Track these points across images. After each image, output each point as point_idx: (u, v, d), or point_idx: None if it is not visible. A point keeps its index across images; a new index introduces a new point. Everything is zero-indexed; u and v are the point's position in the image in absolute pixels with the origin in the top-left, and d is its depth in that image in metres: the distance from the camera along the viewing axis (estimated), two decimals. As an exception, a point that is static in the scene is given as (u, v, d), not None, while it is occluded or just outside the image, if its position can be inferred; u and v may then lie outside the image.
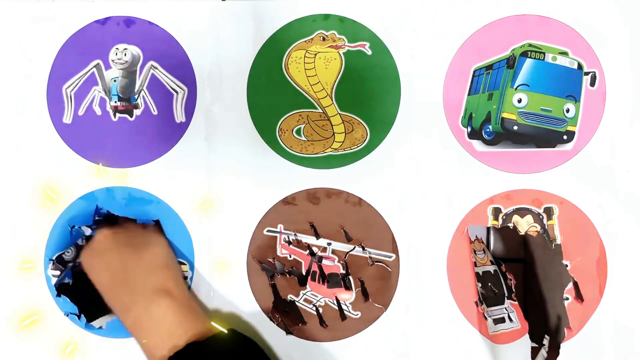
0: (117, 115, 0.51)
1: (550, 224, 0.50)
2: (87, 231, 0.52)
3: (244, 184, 0.51)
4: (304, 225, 0.51)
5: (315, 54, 0.50)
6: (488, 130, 0.50)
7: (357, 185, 0.50)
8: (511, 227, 0.50)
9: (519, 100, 0.49)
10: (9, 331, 0.52)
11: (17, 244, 0.52)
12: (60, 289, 0.52)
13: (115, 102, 0.51)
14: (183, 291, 0.47)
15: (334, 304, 0.51)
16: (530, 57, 0.49)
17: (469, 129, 0.50)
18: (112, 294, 0.47)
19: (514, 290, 0.52)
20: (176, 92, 0.51)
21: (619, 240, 0.49)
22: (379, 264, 0.50)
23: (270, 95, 0.50)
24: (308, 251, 0.51)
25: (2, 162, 0.52)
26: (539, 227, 0.50)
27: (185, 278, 0.51)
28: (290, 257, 0.51)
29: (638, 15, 0.49)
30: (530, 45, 0.49)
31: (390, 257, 0.50)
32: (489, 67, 0.49)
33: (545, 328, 0.51)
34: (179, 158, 0.51)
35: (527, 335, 0.50)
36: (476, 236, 0.54)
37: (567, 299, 0.49)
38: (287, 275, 0.51)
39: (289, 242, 0.51)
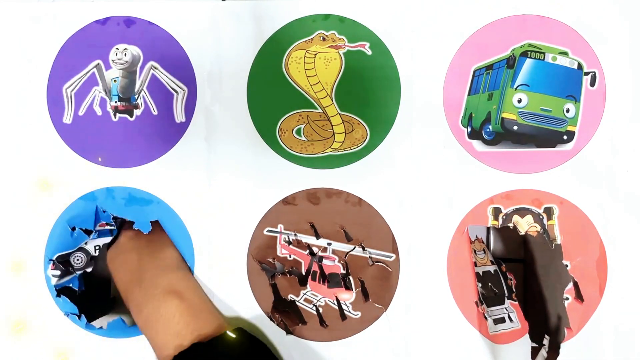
0: (118, 115, 0.51)
1: (550, 224, 0.50)
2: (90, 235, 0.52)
3: (244, 184, 0.51)
4: (304, 225, 0.51)
5: (315, 54, 0.50)
6: (488, 130, 0.50)
7: (357, 185, 0.50)
8: (511, 227, 0.50)
9: (519, 100, 0.49)
10: (8, 331, 0.52)
11: (16, 244, 0.52)
12: (61, 289, 0.52)
13: (116, 102, 0.51)
14: (193, 293, 0.47)
15: (334, 304, 0.51)
16: (530, 57, 0.49)
17: (469, 129, 0.50)
18: (129, 293, 0.48)
19: (514, 290, 0.52)
20: (176, 92, 0.51)
21: (619, 240, 0.49)
22: (379, 264, 0.50)
23: (270, 95, 0.50)
24: (308, 251, 0.51)
25: (2, 162, 0.52)
26: (539, 227, 0.50)
27: (186, 278, 0.51)
28: (290, 257, 0.51)
29: (638, 15, 0.49)
30: (530, 45, 0.49)
31: (390, 257, 0.50)
32: (489, 67, 0.49)
33: (545, 328, 0.51)
34: (179, 158, 0.51)
35: (527, 335, 0.50)
36: (476, 236, 0.54)
37: (567, 299, 0.49)
38: (287, 275, 0.51)
39: (289, 242, 0.51)
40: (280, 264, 0.51)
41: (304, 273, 0.51)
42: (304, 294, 0.51)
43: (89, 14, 0.51)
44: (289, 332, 0.51)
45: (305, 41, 0.50)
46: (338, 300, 0.51)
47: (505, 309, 0.51)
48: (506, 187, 0.50)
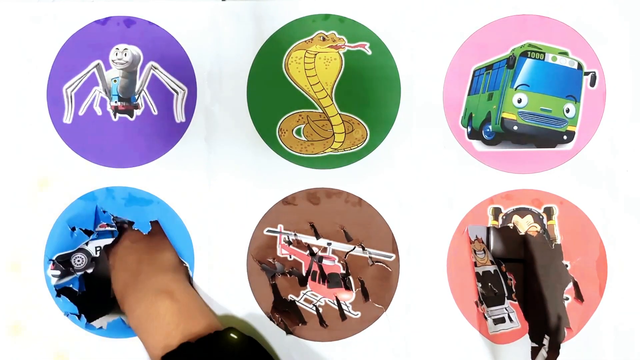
0: (118, 115, 0.51)
1: (550, 224, 0.50)
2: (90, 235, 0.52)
3: (244, 184, 0.51)
4: (304, 225, 0.51)
5: (315, 54, 0.50)
6: (488, 130, 0.50)
7: (357, 185, 0.50)
8: (511, 227, 0.50)
9: (519, 100, 0.49)
10: (8, 331, 0.52)
11: (16, 244, 0.52)
12: (61, 290, 0.52)
13: (116, 102, 0.51)
14: (186, 294, 0.47)
15: (334, 304, 0.51)
16: (530, 57, 0.49)
17: (469, 129, 0.50)
18: (124, 293, 0.48)
19: (514, 290, 0.52)
20: (176, 92, 0.51)
21: (619, 240, 0.49)
22: (379, 264, 0.50)
23: (270, 95, 0.50)
24: (308, 251, 0.51)
25: (2, 162, 0.52)
26: (539, 227, 0.50)
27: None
28: (290, 257, 0.51)
29: (638, 15, 0.49)
30: (530, 45, 0.49)
31: (390, 257, 0.50)
32: (489, 67, 0.49)
33: (545, 328, 0.51)
34: (179, 158, 0.51)
35: (527, 335, 0.50)
36: (476, 236, 0.54)
37: (567, 299, 0.49)
38: (287, 275, 0.51)
39: (289, 242, 0.51)
40: (280, 264, 0.51)
41: (304, 273, 0.51)
42: (304, 294, 0.51)
43: (89, 14, 0.51)
44: (289, 332, 0.51)
45: (305, 41, 0.50)
46: (338, 300, 0.51)
47: (505, 309, 0.51)
48: (506, 187, 0.50)
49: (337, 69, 0.50)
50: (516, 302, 0.51)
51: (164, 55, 0.51)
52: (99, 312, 0.52)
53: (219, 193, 0.51)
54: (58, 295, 0.51)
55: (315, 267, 0.51)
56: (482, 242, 0.54)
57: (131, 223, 0.51)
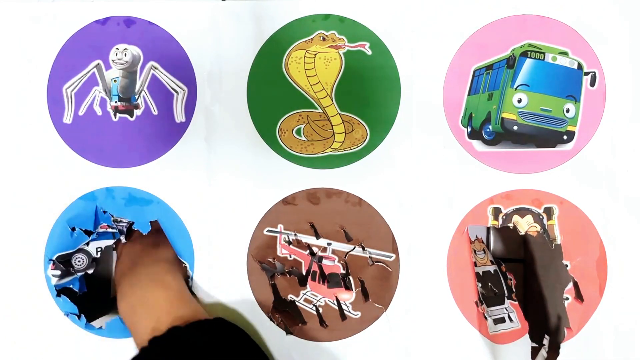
0: (118, 115, 0.51)
1: (550, 224, 0.50)
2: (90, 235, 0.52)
3: (244, 184, 0.51)
4: (304, 225, 0.51)
5: (315, 54, 0.50)
6: (488, 130, 0.50)
7: (357, 185, 0.50)
8: (511, 227, 0.50)
9: (519, 100, 0.49)
10: (8, 331, 0.52)
11: (16, 244, 0.52)
12: (61, 290, 0.52)
13: (116, 102, 0.51)
14: (179, 285, 0.48)
15: (334, 304, 0.51)
16: (530, 57, 0.49)
17: (469, 129, 0.50)
18: (120, 281, 0.50)
19: (514, 290, 0.52)
20: (176, 92, 0.51)
21: (619, 240, 0.49)
22: (379, 264, 0.50)
23: (270, 96, 0.50)
24: (308, 251, 0.51)
25: (2, 162, 0.52)
26: (539, 227, 0.50)
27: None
28: (290, 257, 0.51)
29: (638, 15, 0.49)
30: (530, 45, 0.49)
31: (390, 257, 0.50)
32: (489, 67, 0.49)
33: (545, 328, 0.51)
34: (179, 158, 0.51)
35: (527, 335, 0.50)
36: (476, 236, 0.54)
37: (567, 299, 0.49)
38: (287, 275, 0.51)
39: (289, 242, 0.51)
40: (280, 264, 0.51)
41: (304, 273, 0.51)
42: (304, 294, 0.51)
43: (89, 14, 0.51)
44: (289, 332, 0.51)
45: (305, 41, 0.50)
46: (338, 300, 0.51)
47: (505, 309, 0.51)
48: (506, 187, 0.50)
49: (337, 69, 0.50)
50: (516, 302, 0.51)
51: (164, 55, 0.51)
52: (99, 312, 0.52)
53: (219, 193, 0.51)
54: (58, 295, 0.51)
55: (315, 267, 0.51)
56: (482, 242, 0.54)
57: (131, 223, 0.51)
